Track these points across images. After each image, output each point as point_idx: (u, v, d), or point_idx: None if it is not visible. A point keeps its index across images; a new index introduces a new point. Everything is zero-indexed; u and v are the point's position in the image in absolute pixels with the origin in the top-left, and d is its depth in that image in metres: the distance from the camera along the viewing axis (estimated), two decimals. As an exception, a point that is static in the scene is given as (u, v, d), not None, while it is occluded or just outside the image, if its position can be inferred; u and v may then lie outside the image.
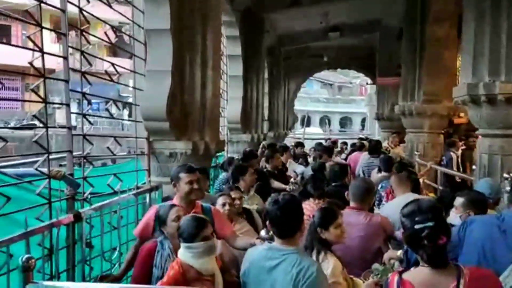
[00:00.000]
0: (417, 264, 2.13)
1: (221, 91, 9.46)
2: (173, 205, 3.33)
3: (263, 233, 3.26)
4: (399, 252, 3.20)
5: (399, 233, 3.31)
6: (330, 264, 2.95)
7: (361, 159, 8.59)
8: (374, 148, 8.37)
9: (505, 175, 4.48)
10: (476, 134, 5.23)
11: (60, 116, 21.08)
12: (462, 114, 10.32)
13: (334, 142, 13.93)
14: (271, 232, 3.03)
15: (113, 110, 22.75)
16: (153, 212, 3.49)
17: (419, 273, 2.05)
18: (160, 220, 3.22)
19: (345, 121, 52.52)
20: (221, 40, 7.99)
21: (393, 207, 4.49)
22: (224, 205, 3.98)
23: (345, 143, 14.58)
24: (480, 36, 4.79)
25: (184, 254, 2.90)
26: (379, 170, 6.80)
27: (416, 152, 8.91)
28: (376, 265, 3.18)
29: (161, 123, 4.85)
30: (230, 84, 9.65)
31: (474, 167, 5.77)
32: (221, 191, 5.03)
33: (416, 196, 4.71)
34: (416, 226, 2.00)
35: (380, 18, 13.57)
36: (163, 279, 2.85)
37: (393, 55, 12.99)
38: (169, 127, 4.86)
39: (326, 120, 47.44)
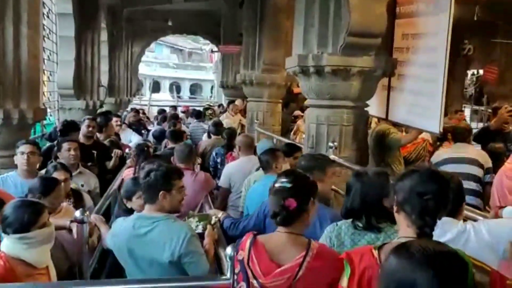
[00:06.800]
0: None
1: (49, 53, 8.59)
2: None
3: (77, 214, 2.96)
4: (220, 214, 3.47)
5: None
6: None
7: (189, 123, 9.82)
8: (199, 113, 10.21)
9: (330, 144, 4.72)
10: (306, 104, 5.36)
11: None
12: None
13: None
14: (86, 213, 2.99)
15: None
16: None
17: (274, 237, 2.14)
18: None
19: (195, 88, 52.25)
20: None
21: (238, 165, 5.16)
22: None
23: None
24: (310, 7, 4.84)
25: (13, 247, 2.41)
26: (209, 135, 7.42)
27: (256, 120, 9.07)
28: (191, 212, 3.39)
29: (-38, 88, 4.17)
30: (60, 46, 8.75)
31: (303, 135, 6.01)
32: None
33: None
34: (276, 185, 2.14)
35: (225, -16, 13.46)
36: None
37: (237, 23, 12.98)
38: (-28, 93, 4.19)
39: (174, 87, 46.70)
